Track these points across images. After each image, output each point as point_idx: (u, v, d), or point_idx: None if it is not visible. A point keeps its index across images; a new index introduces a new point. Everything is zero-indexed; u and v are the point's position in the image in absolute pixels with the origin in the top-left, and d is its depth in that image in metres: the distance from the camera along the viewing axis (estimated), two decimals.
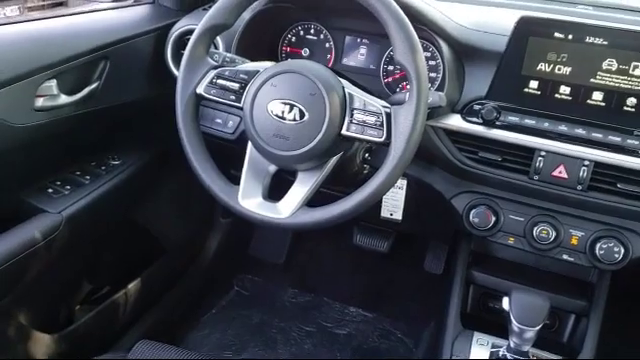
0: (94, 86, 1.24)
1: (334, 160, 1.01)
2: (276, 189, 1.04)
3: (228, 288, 1.91)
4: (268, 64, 1.02)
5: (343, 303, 1.86)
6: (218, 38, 1.25)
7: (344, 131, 0.95)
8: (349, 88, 0.97)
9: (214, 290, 1.88)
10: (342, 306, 1.86)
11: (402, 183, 1.25)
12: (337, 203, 0.96)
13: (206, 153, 1.03)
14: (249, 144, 1.03)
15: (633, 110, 1.04)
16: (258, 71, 0.99)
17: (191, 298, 1.79)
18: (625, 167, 1.05)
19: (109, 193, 1.33)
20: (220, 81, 1.01)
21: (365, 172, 1.17)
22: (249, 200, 1.01)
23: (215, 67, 1.02)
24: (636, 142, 1.04)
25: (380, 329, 1.78)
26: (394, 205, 1.28)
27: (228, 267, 1.95)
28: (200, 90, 1.02)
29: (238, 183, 1.02)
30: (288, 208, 0.98)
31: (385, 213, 1.30)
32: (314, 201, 1.00)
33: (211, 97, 1.01)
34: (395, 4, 0.92)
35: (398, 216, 1.29)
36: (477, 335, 1.23)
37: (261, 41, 1.29)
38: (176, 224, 1.73)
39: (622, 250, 1.11)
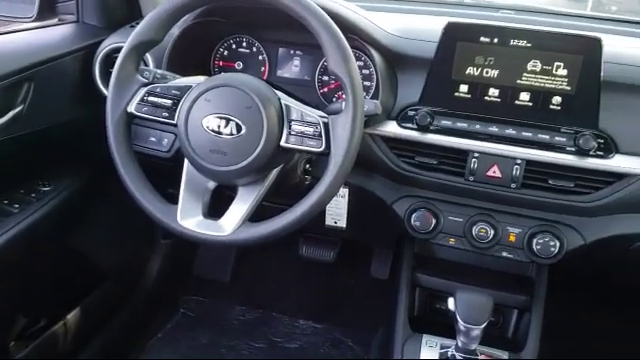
0: (18, 110, 1.18)
1: (275, 173, 1.01)
2: (217, 206, 1.02)
3: (174, 311, 1.86)
4: (201, 79, 1.00)
5: (292, 316, 1.85)
6: (148, 55, 1.22)
7: (283, 143, 0.94)
8: (285, 100, 0.97)
9: (159, 313, 1.82)
10: (291, 319, 1.84)
11: (344, 191, 1.26)
12: (280, 216, 0.96)
13: (141, 173, 1.00)
14: (185, 161, 1.00)
15: (559, 108, 1.08)
16: (191, 86, 0.98)
17: (136, 323, 1.73)
18: (555, 163, 1.09)
19: (41, 221, 1.26)
20: (152, 98, 0.98)
21: (307, 183, 1.17)
22: (189, 219, 0.98)
23: (146, 84, 0.99)
24: (563, 139, 1.08)
25: (331, 339, 1.78)
26: (337, 213, 1.29)
27: (172, 289, 1.90)
28: (131, 109, 0.99)
29: (176, 202, 1.00)
30: (230, 225, 0.97)
31: (329, 222, 1.30)
32: (257, 215, 0.99)
33: (143, 115, 0.99)
34: (325, 15, 0.93)
35: (342, 224, 1.30)
36: (426, 337, 1.25)
37: (192, 56, 1.26)
38: (115, 248, 1.67)
39: (558, 244, 1.15)
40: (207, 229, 0.97)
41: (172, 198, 1.01)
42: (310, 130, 0.94)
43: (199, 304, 1.89)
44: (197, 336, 1.76)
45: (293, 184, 1.13)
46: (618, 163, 1.07)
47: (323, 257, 1.76)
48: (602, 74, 1.04)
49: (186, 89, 0.98)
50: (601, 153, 1.07)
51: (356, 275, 1.91)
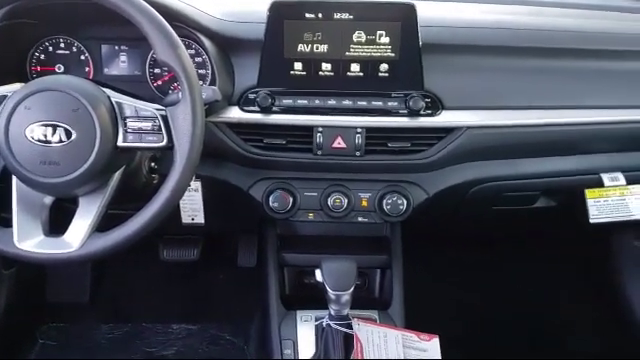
0: None
1: (117, 176, 0.95)
2: (60, 222, 0.94)
3: (31, 343, 1.70)
4: (17, 86, 0.91)
5: (164, 323, 1.78)
6: None
7: (120, 142, 0.90)
8: (116, 97, 0.92)
9: (15, 350, 1.65)
10: (164, 326, 1.77)
11: (196, 185, 1.23)
12: (131, 220, 0.91)
13: None
14: (14, 179, 0.91)
15: (387, 75, 1.14)
16: (6, 96, 0.89)
17: None
18: (391, 127, 1.16)
19: None
20: None
21: (155, 182, 1.12)
22: (27, 240, 0.90)
23: None
24: (395, 103, 1.15)
25: (208, 337, 1.74)
26: (193, 209, 1.25)
27: (25, 321, 1.73)
28: None
29: (11, 225, 0.91)
30: (76, 239, 0.90)
31: (186, 219, 1.27)
32: (106, 226, 0.93)
33: None
34: (145, 4, 0.89)
35: (200, 219, 1.27)
36: (300, 313, 1.27)
37: (4, 64, 1.14)
38: None
39: (405, 201, 1.22)
40: (50, 248, 0.90)
41: (6, 222, 0.92)
42: (148, 125, 0.90)
43: (59, 331, 1.75)
44: None
45: (140, 186, 1.08)
46: (445, 119, 1.16)
47: (186, 257, 1.72)
48: (421, 38, 1.12)
49: (1, 99, 0.89)
50: (430, 112, 1.15)
51: (224, 268, 1.88)
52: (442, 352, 1.18)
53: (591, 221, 1.23)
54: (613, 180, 1.24)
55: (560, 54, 1.23)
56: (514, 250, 1.85)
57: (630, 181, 1.24)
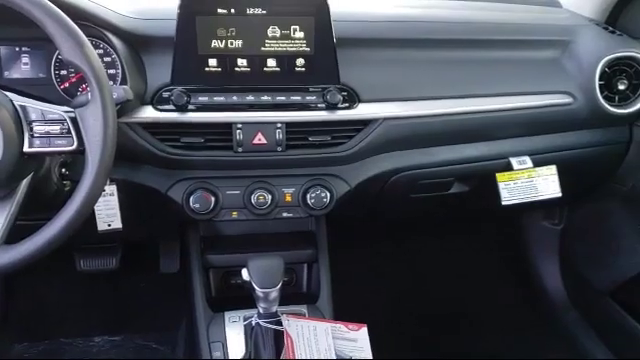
0: None
1: (25, 184, 0.90)
2: None
3: None
4: None
5: (85, 337, 1.70)
6: None
7: (27, 148, 0.85)
8: (19, 100, 0.86)
9: None
10: (85, 340, 1.69)
11: (111, 189, 1.18)
12: (42, 230, 0.86)
13: None
14: None
15: (303, 70, 1.15)
16: None
17: None
18: (310, 121, 1.16)
19: None
20: None
21: (67, 189, 1.06)
22: None
23: None
24: (313, 97, 1.16)
25: (133, 348, 1.68)
26: (110, 215, 1.20)
27: None
28: None
29: None
30: None
31: (102, 226, 1.21)
32: (16, 238, 0.87)
33: None
34: (48, 2, 0.85)
35: (117, 225, 1.21)
36: (228, 314, 1.25)
37: None
38: None
39: (328, 194, 1.23)
40: None
41: None
42: (56, 128, 0.85)
43: None
44: None
45: (50, 193, 1.02)
46: (362, 111, 1.18)
47: (105, 266, 1.64)
48: (335, 32, 1.13)
49: None
50: (347, 105, 1.17)
51: (146, 276, 1.82)
52: (371, 340, 1.21)
53: (503, 203, 1.29)
54: (521, 163, 1.30)
55: (467, 45, 1.29)
56: (434, 235, 1.92)
57: (536, 163, 1.31)
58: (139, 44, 1.13)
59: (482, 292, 1.87)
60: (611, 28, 1.37)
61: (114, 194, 1.18)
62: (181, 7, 1.08)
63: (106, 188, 1.13)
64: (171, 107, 1.11)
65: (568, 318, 1.74)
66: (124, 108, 1.05)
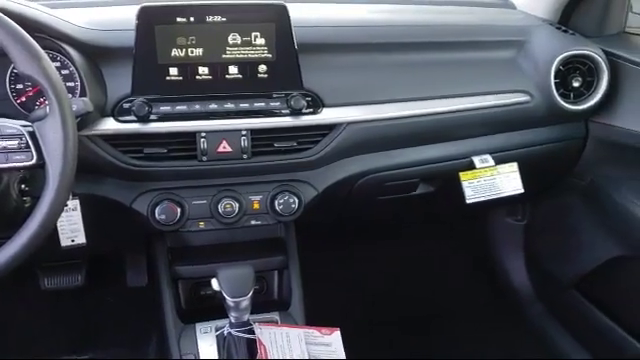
0: None
1: None
2: None
3: None
4: None
5: (52, 356, 1.65)
6: None
7: None
8: None
9: None
10: None
11: (74, 203, 1.15)
12: (2, 249, 0.84)
13: None
14: None
15: (266, 76, 1.15)
16: None
17: None
18: (275, 127, 1.16)
19: None
20: None
21: (27, 205, 1.03)
22: None
23: None
24: (277, 103, 1.16)
25: None
26: (73, 229, 1.17)
27: None
28: None
29: None
30: None
31: (66, 242, 1.18)
32: None
33: None
34: (0, 14, 0.83)
35: (81, 240, 1.19)
36: (199, 325, 1.24)
37: None
38: None
39: (296, 200, 1.23)
40: None
41: None
42: (14, 143, 0.84)
43: None
44: None
45: (10, 211, 0.99)
46: (326, 116, 1.18)
47: (70, 284, 1.60)
48: (296, 38, 1.13)
49: None
50: (311, 110, 1.17)
51: (113, 291, 1.78)
52: (345, 344, 1.21)
53: (467, 201, 1.31)
54: (483, 162, 1.33)
55: (428, 48, 1.31)
56: (404, 237, 1.94)
57: (498, 161, 1.34)
58: (97, 55, 1.11)
59: (452, 291, 1.90)
60: (564, 28, 1.42)
61: (77, 209, 1.16)
62: (139, 17, 1.07)
63: (68, 203, 1.11)
64: (132, 118, 1.09)
65: (534, 312, 1.78)
66: (84, 121, 1.03)
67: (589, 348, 1.57)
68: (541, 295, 1.78)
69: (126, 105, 1.09)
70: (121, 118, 1.09)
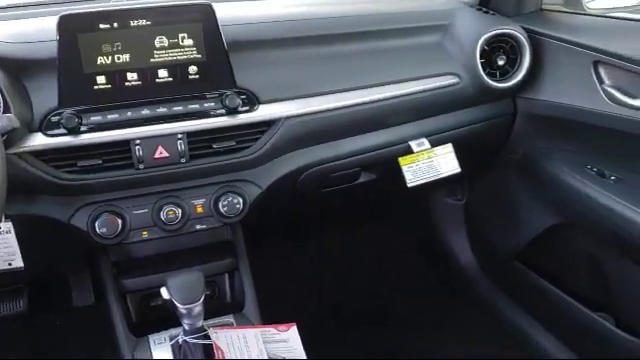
0: None
1: None
2: None
3: None
4: None
5: None
6: None
7: None
8: None
9: None
10: None
11: (7, 226, 1.10)
12: None
13: None
14: None
15: (198, 77, 1.13)
16: None
17: None
18: (211, 128, 1.15)
19: None
20: None
21: None
22: None
23: None
24: (212, 104, 1.14)
25: None
26: (9, 253, 1.12)
27: None
28: None
29: None
30: None
31: (2, 265, 1.13)
32: None
33: None
34: None
35: (19, 263, 1.14)
36: (152, 337, 1.21)
37: None
38: None
39: (241, 200, 1.22)
40: None
41: None
42: None
43: None
44: None
45: None
46: (263, 113, 1.18)
47: (12, 310, 1.54)
48: (225, 36, 1.13)
49: None
50: (247, 108, 1.17)
51: (60, 313, 1.72)
52: (303, 339, 1.21)
53: (409, 185, 1.34)
54: (420, 145, 1.36)
55: (358, 38, 1.33)
56: (350, 227, 1.96)
57: (434, 144, 1.37)
58: (19, 70, 1.07)
59: (403, 277, 1.93)
60: (485, 9, 1.47)
61: (11, 231, 1.11)
62: (60, 27, 1.04)
63: (1, 225, 1.06)
64: (62, 131, 1.05)
65: (481, 286, 1.83)
66: (11, 138, 0.99)
67: (536, 315, 1.64)
68: (486, 270, 1.84)
69: (54, 118, 1.06)
70: (50, 132, 1.05)
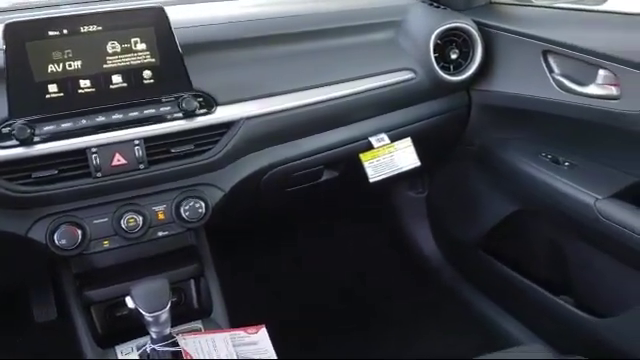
0: None
1: None
2: None
3: None
4: None
5: None
6: None
7: None
8: None
9: None
10: None
11: None
12: None
13: None
14: None
15: (152, 81, 1.12)
16: None
17: None
18: (169, 133, 1.13)
19: None
20: None
21: None
22: None
23: None
24: (168, 108, 1.13)
25: None
26: None
27: None
28: None
29: None
30: None
31: None
32: None
33: None
34: None
35: None
36: (119, 348, 1.19)
37: None
38: None
39: (202, 204, 1.20)
40: None
41: None
42: None
43: None
44: None
45: None
46: (221, 114, 1.17)
47: None
48: (179, 39, 1.11)
49: None
50: (205, 110, 1.15)
51: (20, 331, 1.67)
52: (273, 340, 1.20)
53: (370, 180, 1.35)
54: (380, 141, 1.38)
55: (313, 36, 1.34)
56: (319, 224, 1.96)
57: (394, 139, 1.39)
58: None
59: (373, 273, 1.94)
60: (436, 4, 1.49)
61: None
62: (6, 35, 1.01)
63: None
64: (14, 142, 1.02)
65: (446, 276, 1.86)
66: None
67: (501, 302, 1.68)
68: (451, 260, 1.87)
69: (5, 130, 1.03)
70: (1, 144, 1.02)
